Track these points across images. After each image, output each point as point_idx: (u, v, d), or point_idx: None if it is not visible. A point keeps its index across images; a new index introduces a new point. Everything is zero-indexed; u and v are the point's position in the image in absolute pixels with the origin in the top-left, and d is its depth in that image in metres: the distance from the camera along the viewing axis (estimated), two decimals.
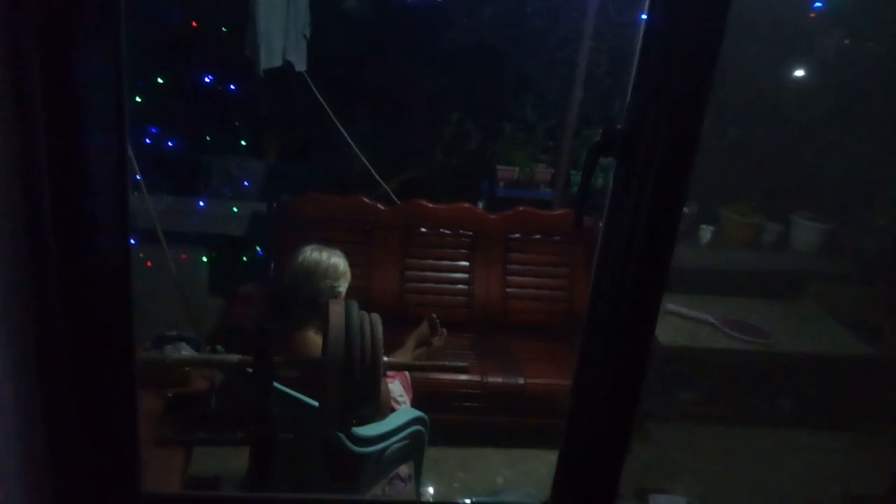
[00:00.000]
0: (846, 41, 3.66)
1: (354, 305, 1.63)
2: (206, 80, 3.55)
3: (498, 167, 3.80)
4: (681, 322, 3.54)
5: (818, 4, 3.69)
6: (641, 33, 0.94)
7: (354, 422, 1.92)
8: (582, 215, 1.09)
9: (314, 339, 2.13)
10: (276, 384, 1.93)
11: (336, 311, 1.58)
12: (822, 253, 3.81)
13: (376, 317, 1.70)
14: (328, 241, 3.33)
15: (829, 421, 3.41)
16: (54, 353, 1.01)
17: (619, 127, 0.98)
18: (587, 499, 1.11)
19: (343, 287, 2.27)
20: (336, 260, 2.27)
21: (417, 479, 2.52)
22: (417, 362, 2.44)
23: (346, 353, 1.52)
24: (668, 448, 3.34)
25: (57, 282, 0.97)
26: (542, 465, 3.14)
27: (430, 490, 2.78)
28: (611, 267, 1.04)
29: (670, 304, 3.62)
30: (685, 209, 3.82)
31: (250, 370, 1.65)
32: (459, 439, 3.12)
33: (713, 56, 0.91)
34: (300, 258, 2.25)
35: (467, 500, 1.24)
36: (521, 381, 3.10)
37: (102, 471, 1.07)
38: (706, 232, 3.85)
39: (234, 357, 1.66)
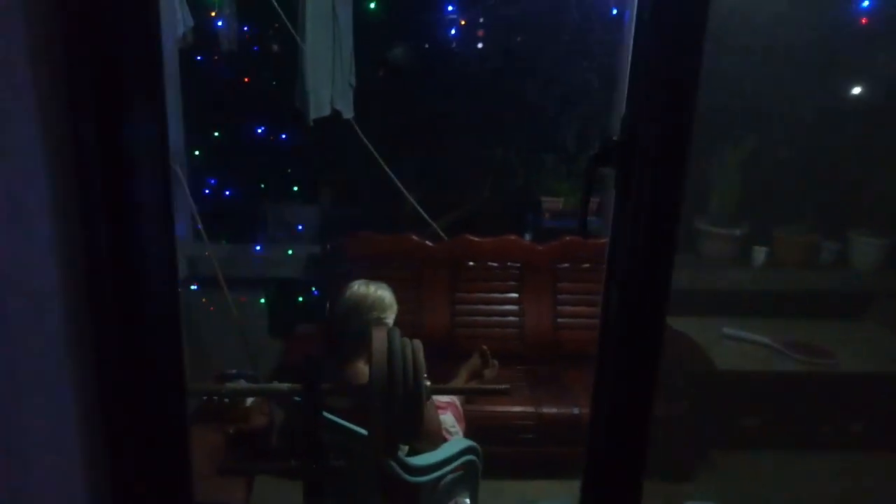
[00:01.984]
0: None
1: (396, 331, 1.69)
2: (259, 131, 3.74)
3: (543, 199, 3.84)
4: (738, 346, 3.48)
5: (865, 4, 3.62)
6: (630, 49, 1.01)
7: (402, 448, 1.96)
8: (586, 221, 1.16)
9: (363, 369, 2.19)
10: (327, 415, 2.00)
11: (379, 336, 1.64)
12: (882, 270, 3.69)
13: (418, 342, 1.76)
14: (379, 279, 3.48)
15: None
16: (114, 397, 1.10)
17: (614, 138, 1.04)
18: None
19: (390, 318, 2.34)
20: (382, 293, 2.35)
21: None
22: (460, 386, 2.47)
23: (388, 376, 1.58)
24: (734, 476, 3.25)
25: (115, 330, 1.06)
26: None
27: None
28: (618, 269, 1.09)
29: (727, 329, 3.56)
30: (737, 231, 3.78)
31: (299, 399, 1.72)
32: (516, 471, 3.12)
33: (694, 69, 0.96)
34: (348, 293, 2.34)
35: None
36: (575, 411, 3.09)
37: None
38: (760, 253, 3.79)
39: (284, 385, 1.74)
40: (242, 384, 2.47)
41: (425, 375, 1.72)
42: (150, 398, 1.10)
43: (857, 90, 3.71)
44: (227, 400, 2.49)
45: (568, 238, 3.62)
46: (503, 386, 2.11)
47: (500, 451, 2.86)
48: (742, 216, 3.77)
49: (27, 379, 0.99)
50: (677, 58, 0.96)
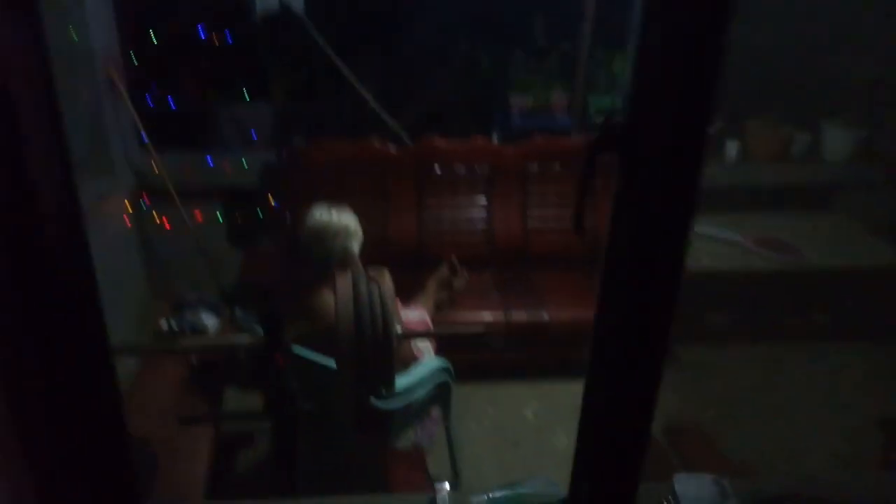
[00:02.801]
0: None
1: (362, 277, 1.58)
2: (202, 30, 3.43)
3: (511, 96, 3.66)
4: (708, 244, 3.45)
5: None
6: (640, 16, 0.82)
7: (376, 390, 1.91)
8: (582, 218, 1.00)
9: (328, 299, 2.11)
10: (298, 350, 1.93)
11: (343, 284, 1.53)
12: (854, 161, 3.64)
13: (387, 285, 1.66)
14: (341, 188, 3.33)
15: (863, 333, 3.35)
16: (19, 359, 0.96)
17: (618, 120, 0.87)
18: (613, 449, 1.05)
19: (355, 246, 2.23)
20: (346, 219, 2.22)
21: (447, 425, 2.55)
22: (431, 331, 2.41)
23: (356, 327, 1.49)
24: (699, 372, 3.32)
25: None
26: (568, 396, 3.14)
27: (460, 432, 2.81)
28: (618, 283, 0.95)
29: (697, 227, 3.52)
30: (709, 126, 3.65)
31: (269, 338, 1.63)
32: (486, 376, 3.14)
33: (722, 29, 0.79)
34: (310, 220, 2.21)
35: (484, 496, 1.21)
36: (545, 316, 3.07)
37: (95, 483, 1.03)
38: (731, 148, 3.70)
39: (245, 338, 1.64)
40: (203, 311, 2.37)
41: (397, 319, 1.63)
42: (65, 365, 0.94)
43: None
44: (188, 329, 2.40)
45: (537, 138, 3.47)
46: (478, 329, 2.04)
47: (470, 357, 2.85)
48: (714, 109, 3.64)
49: None
50: (698, 17, 0.78)
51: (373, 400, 2.06)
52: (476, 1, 3.59)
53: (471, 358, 2.89)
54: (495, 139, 3.60)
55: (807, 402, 3.08)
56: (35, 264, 0.89)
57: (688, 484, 1.13)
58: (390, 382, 1.85)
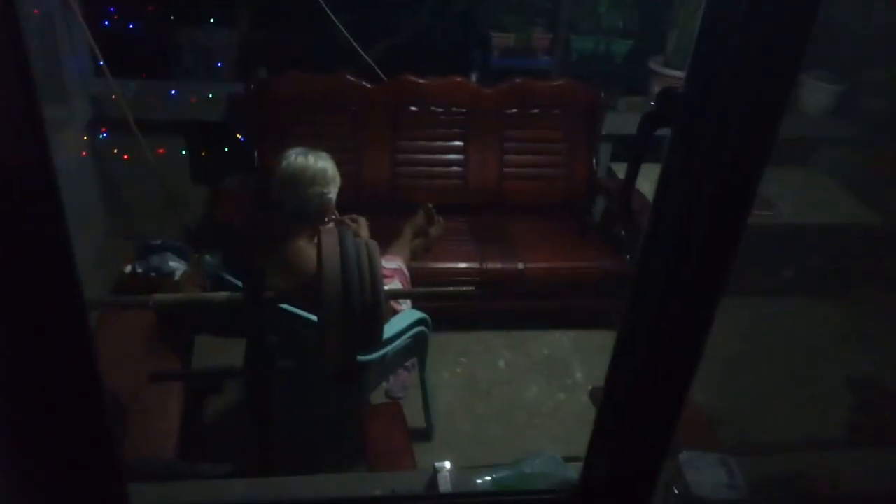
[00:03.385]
0: None
1: (349, 235, 1.49)
2: None
3: (492, 34, 3.50)
4: None
5: None
6: None
7: (364, 350, 1.85)
8: (631, 200, 0.93)
9: (306, 249, 2.02)
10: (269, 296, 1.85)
11: (329, 242, 1.44)
12: (832, 116, 3.63)
13: (373, 244, 1.57)
14: (311, 125, 3.18)
15: (833, 290, 3.40)
16: None
17: (676, 92, 0.78)
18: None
19: (333, 192, 2.12)
20: (323, 164, 2.11)
21: (421, 373, 2.52)
22: (420, 289, 2.35)
23: (344, 291, 1.41)
24: None
25: None
26: (541, 346, 3.16)
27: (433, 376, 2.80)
28: (658, 267, 0.89)
29: None
30: None
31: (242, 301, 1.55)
32: (460, 325, 3.11)
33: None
34: (284, 164, 2.09)
35: (488, 476, 1.17)
36: (520, 266, 3.03)
37: (70, 446, 0.95)
38: None
39: (222, 295, 1.55)
40: (170, 258, 2.25)
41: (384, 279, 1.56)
42: (34, 309, 0.85)
43: None
44: (153, 273, 2.28)
45: (517, 80, 3.35)
46: (468, 288, 1.98)
47: (444, 306, 2.81)
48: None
49: None
50: None
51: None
52: None
53: (445, 306, 2.85)
54: (473, 79, 3.46)
55: (778, 359, 3.14)
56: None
57: (694, 462, 1.11)
58: (377, 344, 1.79)
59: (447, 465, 1.18)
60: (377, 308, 1.45)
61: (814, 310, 3.40)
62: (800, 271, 3.45)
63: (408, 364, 2.72)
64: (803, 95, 3.69)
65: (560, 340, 3.18)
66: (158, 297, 1.81)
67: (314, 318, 1.91)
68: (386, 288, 1.66)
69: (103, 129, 3.23)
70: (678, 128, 0.79)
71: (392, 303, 2.37)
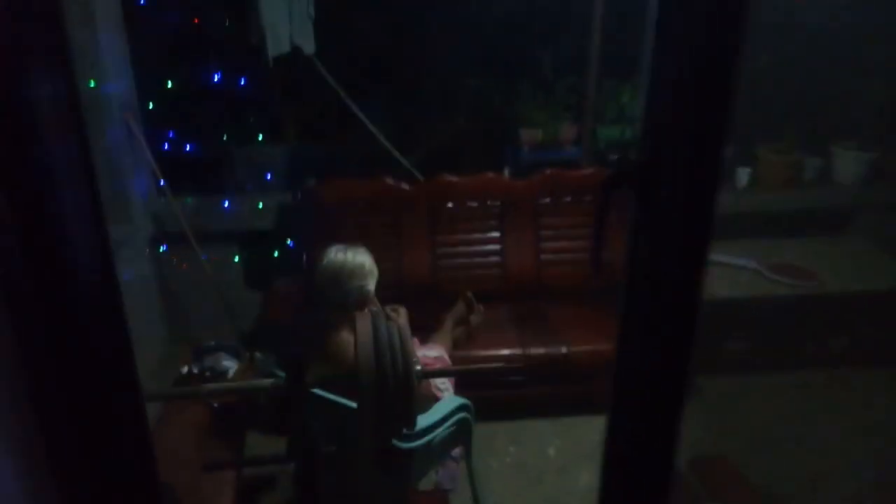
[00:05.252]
0: None
1: (381, 318, 1.59)
2: (216, 75, 3.50)
3: (521, 130, 3.69)
4: (722, 271, 3.45)
5: None
6: (650, 54, 0.85)
7: (398, 431, 1.91)
8: (600, 256, 1.02)
9: (347, 340, 2.12)
10: (318, 392, 1.94)
11: (363, 327, 1.55)
12: (866, 183, 3.64)
13: (403, 324, 1.67)
14: (355, 227, 3.36)
15: (885, 358, 3.31)
16: (50, 393, 0.96)
17: (631, 157, 0.90)
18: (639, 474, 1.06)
19: (371, 285, 2.24)
20: (361, 259, 2.24)
21: (468, 462, 2.53)
22: (454, 367, 2.42)
23: (377, 370, 1.50)
24: (721, 401, 3.29)
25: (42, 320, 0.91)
26: (591, 431, 3.13)
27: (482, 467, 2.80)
28: (637, 316, 0.97)
29: (711, 254, 3.51)
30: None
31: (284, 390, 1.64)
32: (507, 413, 3.12)
33: (734, 63, 0.81)
34: (325, 262, 2.23)
35: None
36: (563, 350, 3.06)
37: None
38: (743, 174, 3.71)
39: (266, 382, 1.65)
40: (224, 357, 2.39)
41: (415, 359, 1.64)
42: (98, 407, 0.96)
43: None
44: (208, 373, 2.41)
45: (548, 171, 3.50)
46: (497, 366, 2.04)
47: (489, 394, 2.85)
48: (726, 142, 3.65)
49: None
50: (709, 51, 0.81)
51: (394, 440, 2.06)
52: (483, 37, 3.64)
53: (491, 395, 2.89)
54: (506, 174, 3.62)
55: (831, 430, 3.04)
56: (68, 311, 0.91)
57: None
58: (411, 422, 1.85)
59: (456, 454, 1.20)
60: (409, 382, 1.52)
61: (866, 381, 3.30)
62: (849, 341, 3.37)
63: (456, 455, 2.74)
64: (835, 166, 3.73)
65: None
66: (209, 386, 1.92)
67: (355, 405, 1.99)
68: (420, 371, 1.73)
69: (164, 243, 3.48)
70: (637, 190, 0.89)
71: (433, 390, 2.43)
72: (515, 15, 3.55)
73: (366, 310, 1.96)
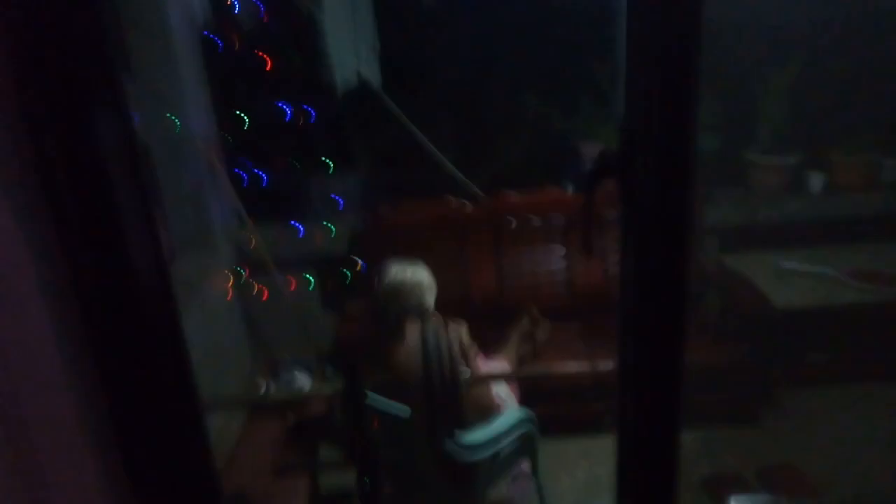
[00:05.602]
0: None
1: (430, 325, 1.67)
2: (288, 111, 3.71)
3: (582, 145, 3.72)
4: (799, 280, 3.34)
5: None
6: (624, 50, 0.94)
7: (449, 434, 1.97)
8: (591, 239, 1.10)
9: (403, 349, 2.20)
10: (375, 401, 2.02)
11: (412, 333, 1.62)
12: None
13: (454, 333, 1.73)
14: (422, 247, 3.46)
15: None
16: (123, 410, 1.08)
17: (613, 151, 0.98)
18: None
19: (431, 300, 2.32)
20: (420, 276, 2.33)
21: (535, 475, 2.56)
22: (504, 371, 2.47)
23: (424, 373, 1.57)
24: (801, 415, 3.18)
25: (111, 349, 1.03)
26: None
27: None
28: (630, 288, 1.05)
29: (785, 262, 3.42)
30: (790, 159, 3.59)
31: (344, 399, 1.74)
32: (577, 429, 3.12)
33: (692, 64, 0.89)
34: (385, 280, 2.33)
35: None
36: None
37: None
38: (817, 179, 3.60)
39: (324, 388, 1.75)
40: (298, 372, 2.52)
41: (464, 364, 1.71)
42: (161, 412, 1.09)
43: None
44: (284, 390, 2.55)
45: (610, 183, 3.50)
46: (540, 371, 2.08)
47: (557, 409, 2.86)
48: (794, 142, 3.57)
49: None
50: (673, 52, 0.89)
51: (452, 447, 2.12)
52: (541, 57, 3.70)
53: (560, 410, 2.91)
54: (569, 189, 3.66)
55: None
56: (134, 340, 1.04)
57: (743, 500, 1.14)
58: (461, 425, 1.91)
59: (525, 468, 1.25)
60: (456, 386, 1.58)
61: None
62: None
63: (527, 470, 2.76)
64: None
65: (685, 439, 3.10)
66: (274, 395, 2.04)
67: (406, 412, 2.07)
68: (471, 375, 1.79)
69: (245, 271, 3.69)
70: (618, 177, 0.96)
71: (495, 400, 2.47)
72: (573, 32, 3.60)
73: (419, 321, 2.04)
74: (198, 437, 1.11)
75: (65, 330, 1.02)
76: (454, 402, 1.62)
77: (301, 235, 3.70)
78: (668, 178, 0.96)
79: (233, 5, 3.43)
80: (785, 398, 3.25)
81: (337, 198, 3.97)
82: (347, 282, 3.72)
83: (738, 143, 3.64)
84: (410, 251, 3.43)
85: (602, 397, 3.08)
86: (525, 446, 2.46)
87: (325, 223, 3.77)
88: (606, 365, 3.07)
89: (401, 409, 1.95)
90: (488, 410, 2.35)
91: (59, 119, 0.92)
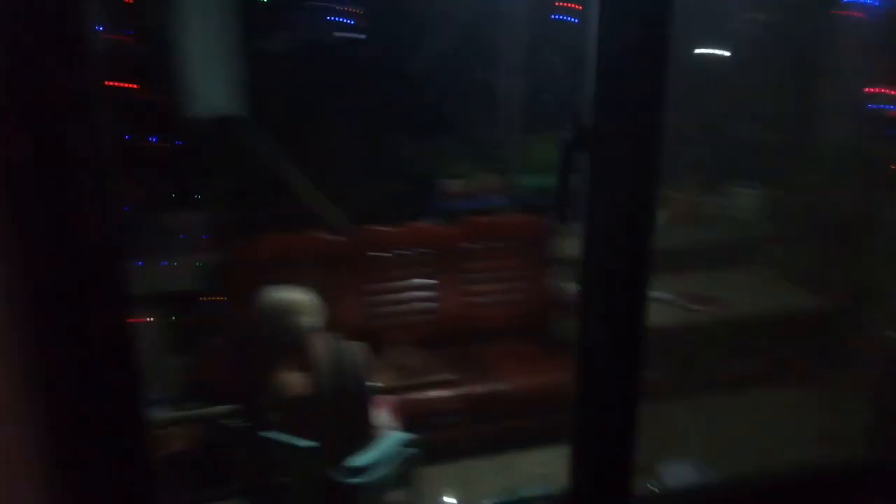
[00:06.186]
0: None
1: (336, 338, 1.64)
2: (142, 141, 3.52)
3: (446, 182, 3.86)
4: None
5: None
6: (595, 30, 1.01)
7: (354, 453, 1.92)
8: (566, 208, 1.17)
9: (295, 378, 2.12)
10: (268, 434, 1.93)
11: (320, 344, 1.59)
12: (762, 218, 3.97)
13: (358, 345, 1.72)
14: (286, 281, 3.37)
15: (795, 375, 3.54)
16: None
17: (585, 123, 1.06)
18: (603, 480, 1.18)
19: (318, 321, 2.27)
20: (301, 295, 2.28)
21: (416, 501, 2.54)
22: (407, 382, 2.46)
23: (336, 385, 1.54)
24: (645, 428, 3.41)
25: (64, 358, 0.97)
26: (532, 465, 3.18)
27: None
28: (595, 264, 1.12)
29: None
30: None
31: (237, 422, 1.65)
32: (448, 455, 3.13)
33: (664, 39, 0.99)
34: (267, 301, 2.25)
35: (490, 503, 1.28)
36: (501, 387, 3.14)
37: None
38: (659, 215, 3.96)
39: (226, 408, 1.66)
40: (161, 409, 2.34)
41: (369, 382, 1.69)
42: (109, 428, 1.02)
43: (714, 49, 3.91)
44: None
45: (473, 218, 3.66)
46: (449, 376, 2.11)
47: (430, 436, 2.86)
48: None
49: None
50: (645, 30, 0.98)
51: (340, 475, 2.06)
52: (405, 96, 3.82)
53: (432, 437, 2.91)
54: (433, 222, 3.76)
55: (754, 447, 3.20)
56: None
57: (671, 469, 1.23)
58: (369, 430, 1.86)
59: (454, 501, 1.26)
60: (365, 403, 1.56)
61: (783, 396, 3.51)
62: (762, 361, 3.60)
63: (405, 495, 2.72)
64: (734, 203, 4.06)
65: (550, 457, 3.21)
66: (177, 414, 1.88)
67: (304, 443, 2.00)
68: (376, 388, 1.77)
69: None
70: (591, 151, 1.03)
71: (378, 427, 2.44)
72: (438, 75, 3.75)
73: (321, 334, 1.98)
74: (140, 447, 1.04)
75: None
76: (365, 417, 1.59)
77: (158, 272, 3.47)
78: (637, 150, 1.03)
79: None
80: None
81: (192, 232, 3.78)
82: (207, 320, 3.53)
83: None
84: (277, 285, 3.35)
85: (473, 421, 3.14)
86: (407, 469, 2.44)
87: (183, 259, 3.56)
88: (474, 388, 3.14)
89: (304, 443, 1.88)
90: (372, 435, 2.31)
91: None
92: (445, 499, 1.26)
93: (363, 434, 1.64)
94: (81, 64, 0.90)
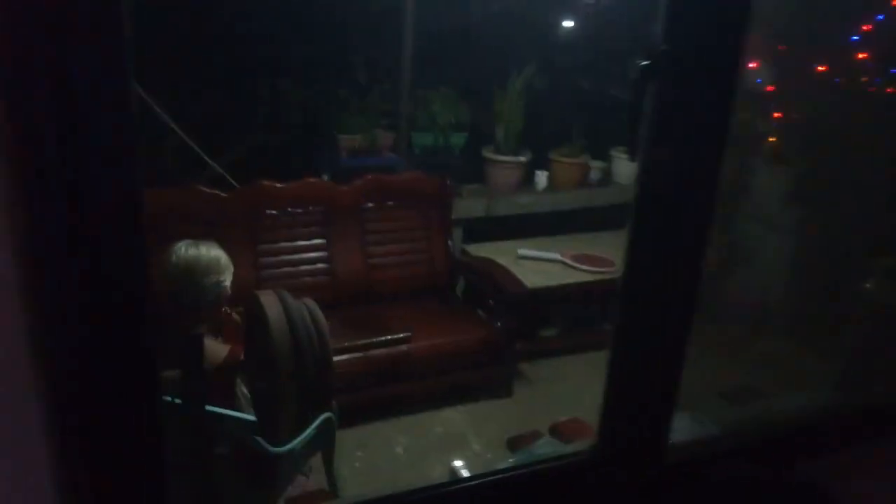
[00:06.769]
0: None
1: (287, 294, 1.49)
2: None
3: (340, 136, 3.69)
4: (534, 264, 3.73)
5: None
6: None
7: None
8: (636, 133, 1.11)
9: (212, 345, 1.93)
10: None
11: (271, 303, 1.44)
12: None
13: (311, 302, 1.58)
14: (170, 239, 3.08)
15: None
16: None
17: (662, 49, 1.01)
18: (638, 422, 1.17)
19: (229, 281, 2.08)
20: (216, 252, 2.08)
21: (330, 468, 2.43)
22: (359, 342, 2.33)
23: (295, 349, 1.40)
24: (544, 384, 3.53)
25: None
26: (435, 425, 3.18)
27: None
28: (656, 192, 1.08)
29: (521, 249, 3.79)
30: (521, 158, 3.99)
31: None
32: (350, 420, 3.05)
33: None
34: (174, 258, 2.02)
35: (509, 460, 1.24)
36: (404, 348, 3.09)
37: None
38: (542, 178, 4.06)
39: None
40: None
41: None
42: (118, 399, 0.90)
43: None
44: None
45: (370, 176, 3.53)
46: (406, 333, 2.00)
47: (336, 400, 2.76)
48: (524, 143, 3.99)
49: None
50: None
51: (264, 445, 1.93)
52: (300, 42, 3.56)
53: (338, 401, 2.80)
54: (325, 179, 3.59)
55: None
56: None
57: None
58: (332, 394, 1.75)
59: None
60: (329, 364, 1.45)
61: None
62: None
63: (304, 470, 2.61)
64: (615, 169, 4.24)
65: (451, 416, 3.23)
66: None
67: (233, 414, 1.84)
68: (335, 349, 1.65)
69: None
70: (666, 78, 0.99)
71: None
72: (334, 22, 3.54)
73: (264, 291, 1.81)
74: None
75: None
76: (330, 378, 1.46)
77: None
78: (714, 69, 1.00)
79: None
80: (527, 370, 3.58)
81: None
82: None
83: (480, 142, 3.94)
84: (155, 244, 3.04)
85: (374, 384, 3.07)
86: (324, 435, 2.33)
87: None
88: (377, 351, 3.06)
89: (245, 417, 1.71)
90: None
91: None
92: (455, 463, 1.20)
93: (323, 401, 1.52)
94: None
